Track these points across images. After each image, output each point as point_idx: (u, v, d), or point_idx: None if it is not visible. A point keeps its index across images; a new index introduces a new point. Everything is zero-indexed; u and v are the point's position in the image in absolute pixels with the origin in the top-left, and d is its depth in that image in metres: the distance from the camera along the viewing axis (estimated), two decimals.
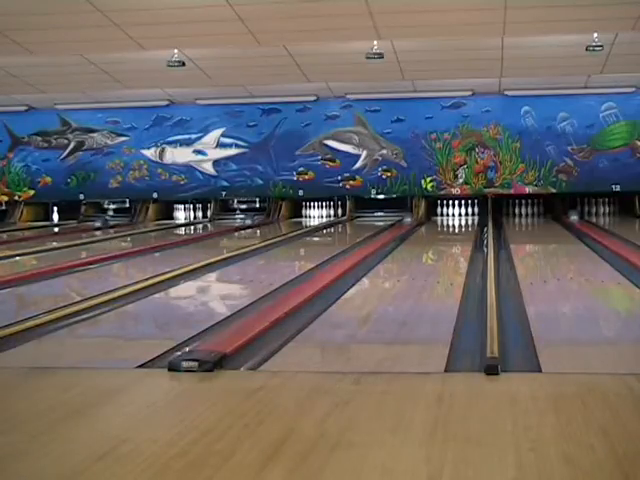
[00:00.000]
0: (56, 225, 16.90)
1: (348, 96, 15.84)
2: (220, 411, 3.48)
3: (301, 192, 16.45)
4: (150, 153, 16.90)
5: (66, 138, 17.23)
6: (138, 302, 6.47)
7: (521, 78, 14.33)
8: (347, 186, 16.28)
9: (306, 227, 15.08)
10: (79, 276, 8.08)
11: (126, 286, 6.95)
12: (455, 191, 16.08)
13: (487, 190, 15.96)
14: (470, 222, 15.65)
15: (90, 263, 8.75)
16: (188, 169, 16.78)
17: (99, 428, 3.24)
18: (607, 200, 16.17)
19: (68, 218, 17.51)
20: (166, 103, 16.44)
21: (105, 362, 4.49)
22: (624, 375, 3.91)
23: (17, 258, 10.00)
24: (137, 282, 7.20)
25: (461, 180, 16.02)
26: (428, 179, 16.05)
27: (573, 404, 3.47)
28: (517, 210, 16.35)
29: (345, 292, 6.87)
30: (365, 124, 16.15)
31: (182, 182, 16.83)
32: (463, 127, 15.90)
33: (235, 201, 17.11)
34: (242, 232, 14.31)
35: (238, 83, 14.80)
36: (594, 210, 16.14)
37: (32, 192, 17.49)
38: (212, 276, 8.34)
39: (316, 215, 16.81)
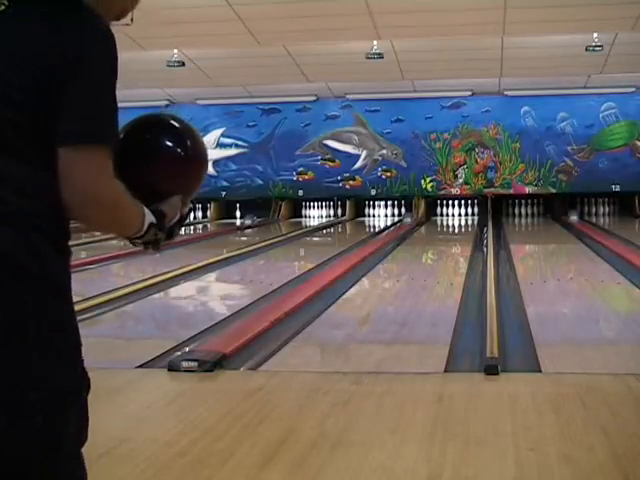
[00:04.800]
0: None
1: (348, 96, 15.84)
2: (220, 411, 3.48)
3: (301, 192, 16.44)
4: None
5: None
6: (138, 302, 6.47)
7: (521, 78, 14.32)
8: (347, 186, 16.28)
9: (306, 227, 15.07)
10: (79, 276, 8.06)
11: (126, 286, 6.95)
12: (455, 191, 16.07)
13: (487, 190, 15.96)
14: (470, 222, 15.65)
15: (90, 263, 8.75)
16: None
17: (99, 428, 3.24)
18: (607, 200, 16.16)
19: None
20: (166, 103, 16.42)
21: (105, 362, 4.49)
22: (624, 375, 3.91)
23: None
24: (137, 282, 7.20)
25: (461, 180, 16.01)
26: (428, 179, 16.05)
27: (573, 404, 3.47)
28: (517, 210, 16.34)
29: (345, 292, 6.87)
30: (365, 124, 16.15)
31: None
32: (463, 127, 15.90)
33: None
34: (242, 232, 14.32)
35: (238, 83, 14.79)
36: (594, 210, 16.13)
37: None
38: (212, 276, 8.35)
39: (316, 215, 16.81)
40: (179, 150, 1.76)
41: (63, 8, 1.49)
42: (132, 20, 1.75)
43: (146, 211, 1.63)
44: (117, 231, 1.66)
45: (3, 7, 1.48)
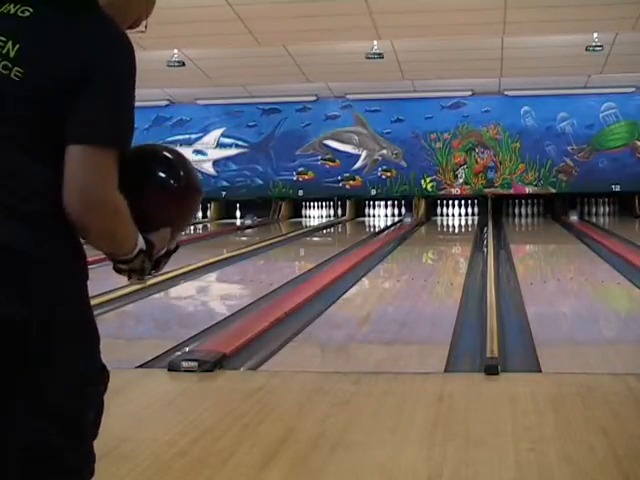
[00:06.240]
0: None
1: (348, 96, 15.84)
2: (220, 411, 3.48)
3: (301, 192, 16.44)
4: None
5: None
6: (138, 302, 6.47)
7: (521, 78, 14.32)
8: (347, 186, 16.27)
9: (306, 227, 15.07)
10: None
11: (126, 286, 6.94)
12: (455, 191, 16.07)
13: (487, 190, 15.95)
14: (470, 222, 15.65)
15: (90, 263, 8.73)
16: None
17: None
18: (607, 200, 16.15)
19: None
20: (166, 103, 16.43)
21: (105, 362, 4.49)
22: (624, 375, 3.91)
23: None
24: None
25: (461, 180, 16.01)
26: (428, 179, 16.04)
27: (573, 404, 3.48)
28: (517, 210, 16.33)
29: (345, 292, 6.87)
30: (365, 124, 16.15)
31: None
32: (463, 127, 15.89)
33: None
34: (242, 232, 14.32)
35: (238, 83, 14.78)
36: (594, 210, 16.13)
37: None
38: (212, 276, 8.34)
39: (316, 215, 16.81)
40: (172, 182, 1.75)
41: (84, 17, 1.57)
42: (146, 27, 1.79)
43: (139, 235, 1.65)
44: (111, 244, 1.64)
45: (28, 13, 1.55)
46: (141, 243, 1.65)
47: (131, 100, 1.57)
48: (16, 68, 1.51)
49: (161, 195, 1.73)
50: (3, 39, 1.53)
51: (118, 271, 1.72)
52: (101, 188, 1.51)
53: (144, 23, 1.78)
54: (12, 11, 1.55)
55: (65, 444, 1.54)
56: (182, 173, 1.77)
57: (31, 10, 1.55)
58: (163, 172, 1.75)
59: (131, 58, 1.57)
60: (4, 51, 1.52)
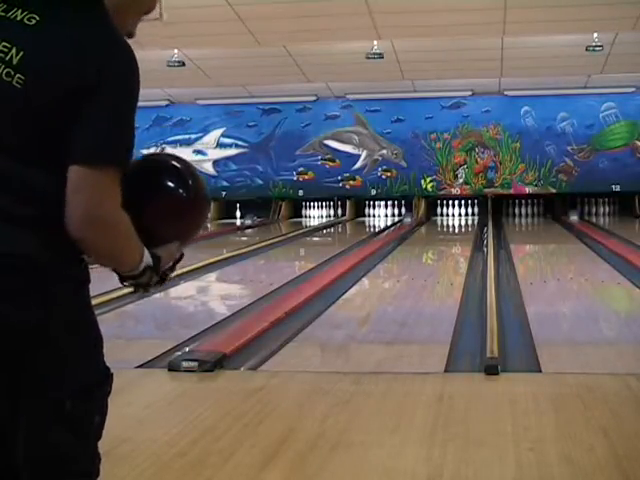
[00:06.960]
0: None
1: (348, 96, 15.83)
2: (220, 411, 3.48)
3: (301, 192, 16.44)
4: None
5: None
6: (138, 302, 6.46)
7: (521, 78, 14.32)
8: (347, 186, 16.27)
9: (306, 227, 15.07)
10: None
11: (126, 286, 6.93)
12: (455, 191, 16.06)
13: (487, 190, 15.95)
14: (470, 222, 15.64)
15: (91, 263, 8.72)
16: None
17: None
18: (607, 200, 16.15)
19: None
20: (166, 103, 16.42)
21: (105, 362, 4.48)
22: (624, 375, 3.91)
23: None
24: None
25: (461, 180, 16.01)
26: (428, 179, 16.04)
27: (573, 404, 3.48)
28: (517, 210, 16.33)
29: (345, 292, 6.87)
30: (365, 124, 16.14)
31: None
32: (463, 127, 15.89)
33: None
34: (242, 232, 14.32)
35: (238, 83, 14.78)
36: (594, 210, 16.12)
37: None
38: (212, 276, 8.34)
39: (316, 215, 16.80)
40: (181, 192, 1.71)
41: (90, 29, 1.54)
42: (161, 15, 1.78)
43: (146, 252, 1.62)
44: (114, 261, 1.62)
45: (34, 21, 1.53)
46: (147, 259, 1.62)
47: (132, 116, 1.55)
48: (18, 75, 1.49)
49: (170, 206, 1.69)
50: (8, 45, 1.51)
51: (123, 283, 1.70)
52: (102, 206, 1.48)
53: (158, 11, 1.76)
54: (19, 17, 1.53)
55: (76, 446, 1.55)
56: (191, 183, 1.72)
57: (38, 18, 1.52)
58: (172, 182, 1.71)
59: (136, 74, 1.55)
60: (7, 57, 1.51)
